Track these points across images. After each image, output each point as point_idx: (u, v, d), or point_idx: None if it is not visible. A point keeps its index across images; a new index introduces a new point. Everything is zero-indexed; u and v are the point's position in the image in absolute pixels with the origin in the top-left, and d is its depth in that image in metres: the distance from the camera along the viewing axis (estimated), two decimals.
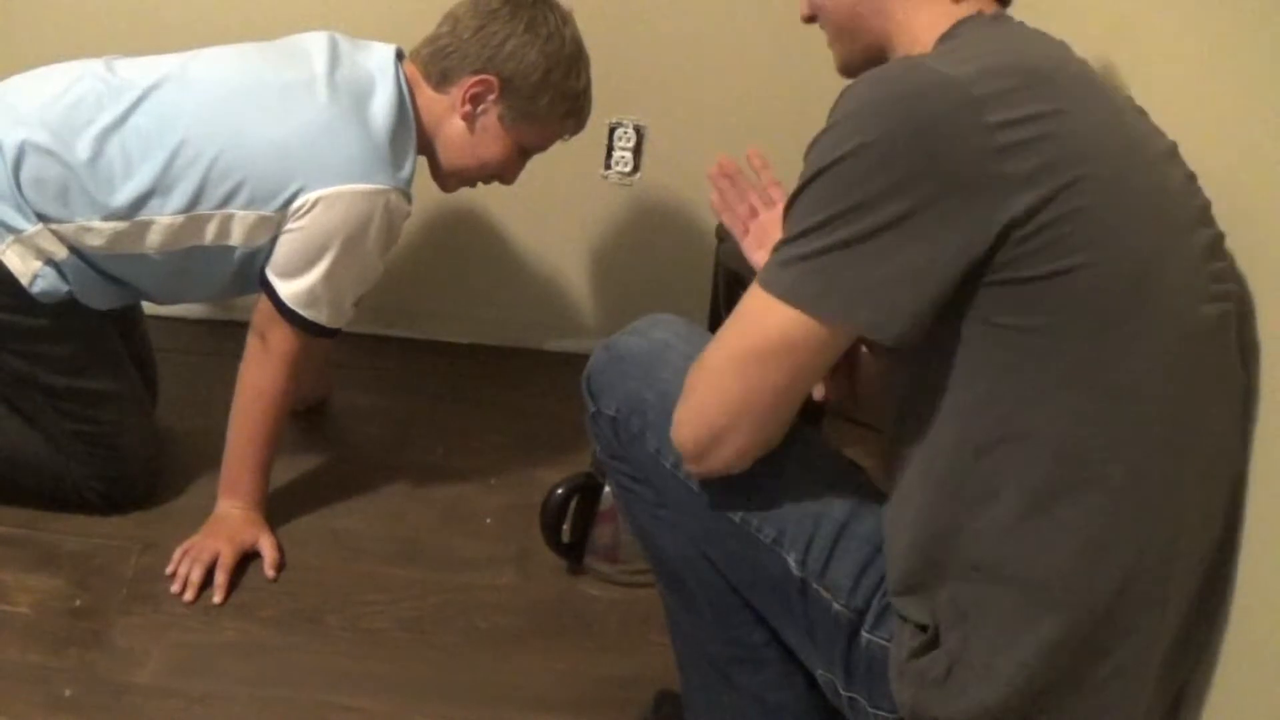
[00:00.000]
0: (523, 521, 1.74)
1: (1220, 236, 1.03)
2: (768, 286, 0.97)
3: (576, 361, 2.15)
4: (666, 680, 1.49)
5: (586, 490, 1.59)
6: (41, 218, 1.49)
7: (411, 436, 1.94)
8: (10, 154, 1.47)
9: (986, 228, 0.91)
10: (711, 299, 1.92)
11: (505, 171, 1.67)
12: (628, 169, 2.06)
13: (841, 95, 0.97)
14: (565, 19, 1.60)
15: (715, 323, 1.90)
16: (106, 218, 1.50)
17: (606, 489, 1.59)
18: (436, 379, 2.11)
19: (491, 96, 1.58)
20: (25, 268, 1.50)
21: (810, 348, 0.97)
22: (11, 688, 1.40)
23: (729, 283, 1.82)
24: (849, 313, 0.95)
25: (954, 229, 0.92)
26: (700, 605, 1.23)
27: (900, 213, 0.91)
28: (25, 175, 1.48)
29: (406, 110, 1.57)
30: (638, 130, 2.02)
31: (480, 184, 1.71)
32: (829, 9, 1.15)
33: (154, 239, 1.52)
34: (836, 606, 1.08)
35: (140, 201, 1.50)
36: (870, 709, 1.09)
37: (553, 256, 2.15)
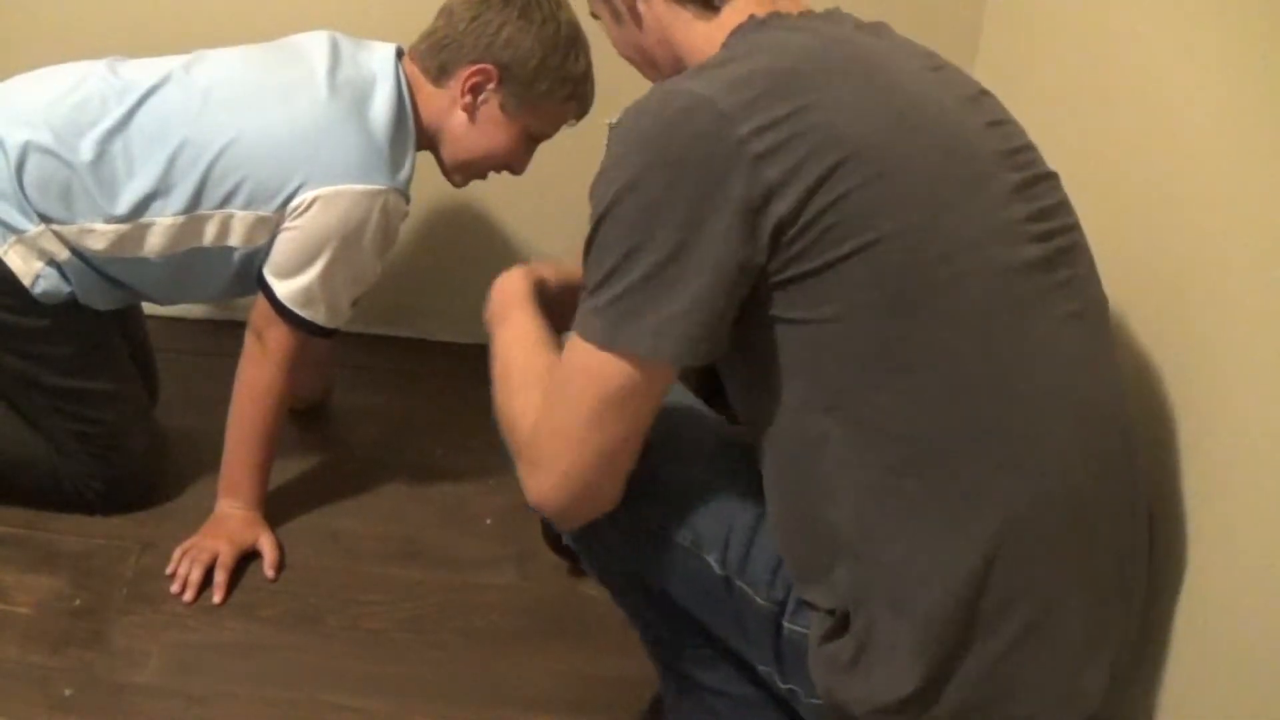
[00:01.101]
0: (523, 521, 1.74)
1: (1040, 176, 1.03)
2: (584, 336, 1.00)
3: None
4: None
5: None
6: (44, 218, 1.49)
7: (411, 436, 1.94)
8: (14, 154, 1.47)
9: (757, 236, 0.93)
10: None
11: (513, 160, 1.66)
12: None
13: (609, 133, 0.99)
14: (560, 3, 1.59)
15: None
16: (108, 220, 1.50)
17: None
18: (436, 379, 2.10)
19: (490, 85, 1.58)
20: (27, 268, 1.50)
21: (640, 386, 0.99)
22: (11, 688, 1.40)
23: None
24: (657, 349, 0.97)
25: (727, 245, 0.94)
26: (643, 613, 1.25)
27: (675, 244, 0.94)
28: (28, 176, 1.48)
29: (406, 109, 1.57)
30: None
31: (491, 174, 1.69)
32: (625, 52, 1.18)
33: (154, 241, 1.52)
34: (759, 600, 1.09)
35: (142, 203, 1.50)
36: (806, 699, 1.10)
37: (553, 256, 2.14)
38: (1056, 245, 1.01)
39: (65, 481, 1.64)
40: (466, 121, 1.60)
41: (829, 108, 0.95)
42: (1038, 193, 1.02)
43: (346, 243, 1.52)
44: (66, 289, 1.53)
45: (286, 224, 1.51)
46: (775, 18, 1.06)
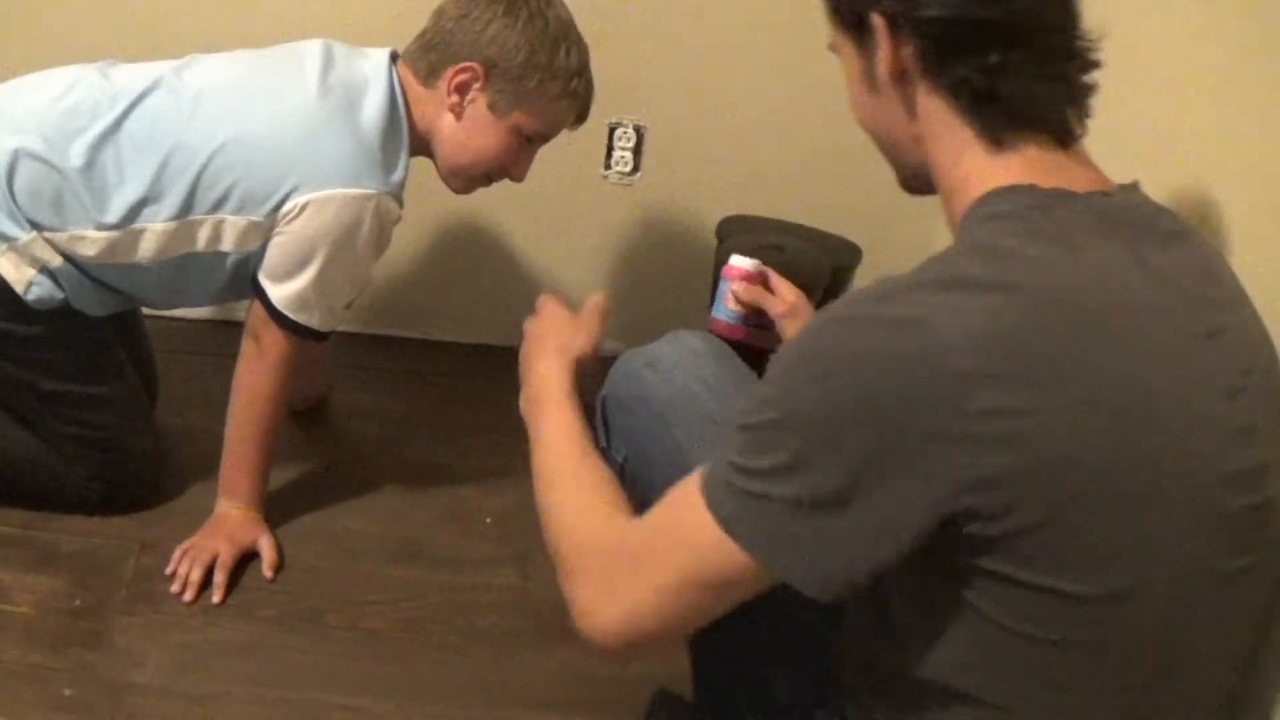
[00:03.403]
0: (523, 521, 1.73)
1: (1267, 502, 0.89)
2: (706, 499, 0.89)
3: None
4: (666, 680, 1.49)
5: None
6: (35, 226, 1.48)
7: (411, 436, 1.94)
8: (3, 161, 1.46)
9: (931, 512, 0.82)
10: (711, 299, 1.92)
11: (509, 164, 1.63)
12: (628, 169, 2.06)
13: (812, 325, 0.88)
14: (551, 0, 1.58)
15: None
16: (100, 227, 1.49)
17: None
18: (436, 379, 2.11)
19: (477, 85, 1.56)
20: (19, 275, 1.50)
21: (745, 578, 0.89)
22: (11, 688, 1.40)
23: None
24: (779, 565, 0.87)
25: (905, 513, 0.83)
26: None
27: (847, 484, 0.83)
28: (19, 183, 1.47)
29: (398, 111, 1.56)
30: (638, 130, 2.02)
31: (493, 183, 1.67)
32: (866, 121, 1.03)
33: (147, 247, 1.52)
34: None
35: (134, 210, 1.49)
36: None
37: (553, 256, 2.15)
38: (1246, 566, 0.89)
39: (65, 483, 1.64)
40: (455, 122, 1.59)
41: (1068, 417, 0.82)
42: (1257, 521, 0.89)
43: (339, 247, 1.51)
44: (59, 295, 1.53)
45: (279, 229, 1.51)
46: (1061, 200, 0.89)
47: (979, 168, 0.92)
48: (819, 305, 1.82)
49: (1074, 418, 0.81)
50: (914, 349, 0.81)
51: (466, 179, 1.65)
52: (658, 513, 0.95)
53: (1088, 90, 0.93)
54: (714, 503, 0.88)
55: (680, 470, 1.08)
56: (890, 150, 1.02)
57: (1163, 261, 0.90)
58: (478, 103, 1.58)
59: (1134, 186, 0.95)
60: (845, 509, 0.83)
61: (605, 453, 1.20)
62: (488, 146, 1.60)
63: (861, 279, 1.93)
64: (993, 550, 0.83)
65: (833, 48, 1.01)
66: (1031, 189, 0.90)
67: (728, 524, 0.87)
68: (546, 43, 1.55)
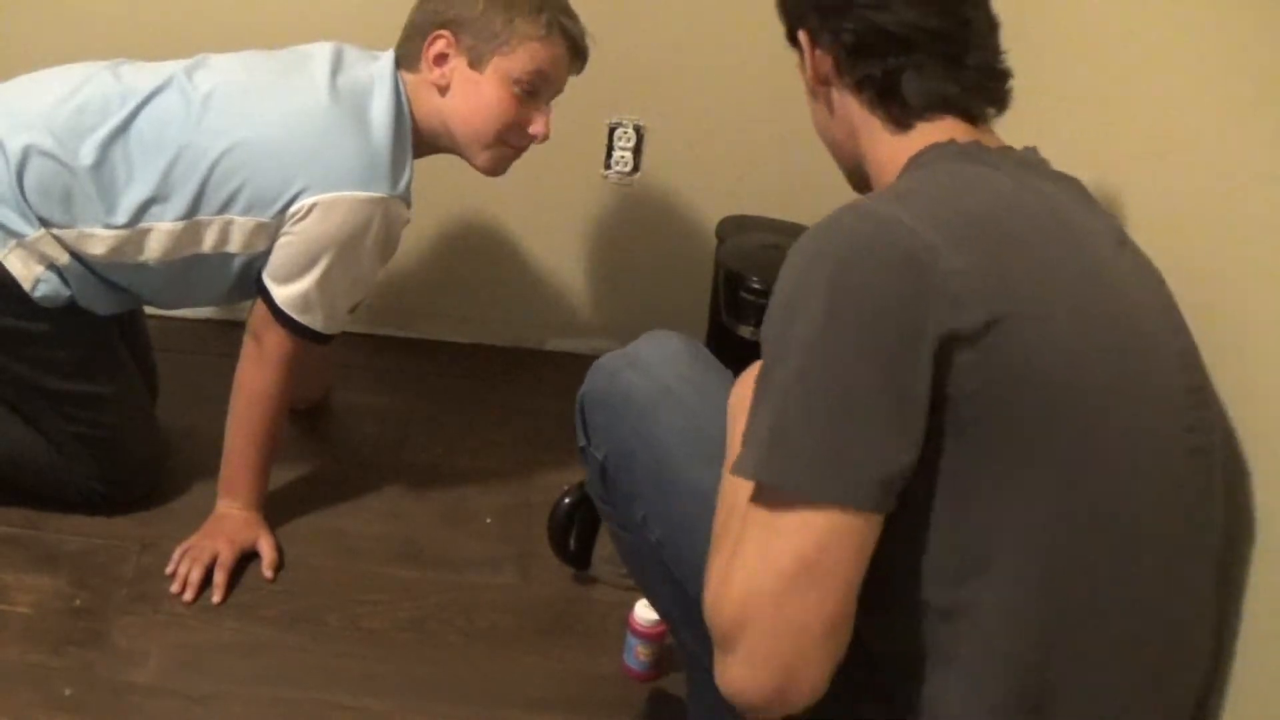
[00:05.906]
0: (523, 521, 1.74)
1: (1203, 385, 0.99)
2: (735, 470, 0.88)
3: (576, 361, 2.16)
4: (665, 680, 1.50)
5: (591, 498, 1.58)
6: (44, 223, 1.49)
7: (411, 436, 1.94)
8: (14, 158, 1.47)
9: (934, 373, 0.86)
10: (711, 299, 1.92)
11: (518, 119, 1.59)
12: (628, 169, 2.06)
13: (792, 250, 0.92)
14: None
15: (715, 322, 1.91)
16: (108, 226, 1.50)
17: None
18: (436, 379, 2.11)
19: (451, 50, 1.56)
20: (27, 272, 1.50)
21: (820, 538, 0.84)
22: (11, 688, 1.40)
23: (729, 283, 1.82)
24: (822, 488, 0.84)
25: (912, 378, 0.85)
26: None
27: (853, 372, 0.86)
28: (29, 180, 1.47)
29: (404, 113, 1.56)
30: (638, 130, 2.02)
31: (518, 150, 1.64)
32: (817, 128, 1.17)
33: (154, 247, 1.52)
34: None
35: (142, 209, 1.49)
36: None
37: (553, 256, 2.15)
38: (1200, 446, 0.96)
39: (67, 482, 1.64)
40: (447, 97, 1.58)
41: (1030, 263, 0.91)
42: (1199, 401, 0.97)
43: (345, 249, 1.51)
44: (66, 293, 1.53)
45: (285, 230, 1.51)
46: (977, 147, 1.02)
47: (892, 147, 1.06)
48: None
49: (1036, 282, 0.90)
50: (882, 229, 0.90)
51: (487, 151, 1.61)
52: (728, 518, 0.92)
53: (995, 90, 1.08)
54: (736, 465, 0.88)
55: (660, 464, 1.12)
56: (833, 150, 1.17)
57: (1073, 196, 1.03)
58: (459, 68, 1.57)
59: (1034, 149, 1.07)
60: (857, 397, 0.85)
61: (584, 452, 1.23)
62: (484, 106, 1.57)
63: None
64: (972, 419, 0.87)
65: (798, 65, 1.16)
66: (950, 142, 1.03)
67: (747, 473, 0.87)
68: None
